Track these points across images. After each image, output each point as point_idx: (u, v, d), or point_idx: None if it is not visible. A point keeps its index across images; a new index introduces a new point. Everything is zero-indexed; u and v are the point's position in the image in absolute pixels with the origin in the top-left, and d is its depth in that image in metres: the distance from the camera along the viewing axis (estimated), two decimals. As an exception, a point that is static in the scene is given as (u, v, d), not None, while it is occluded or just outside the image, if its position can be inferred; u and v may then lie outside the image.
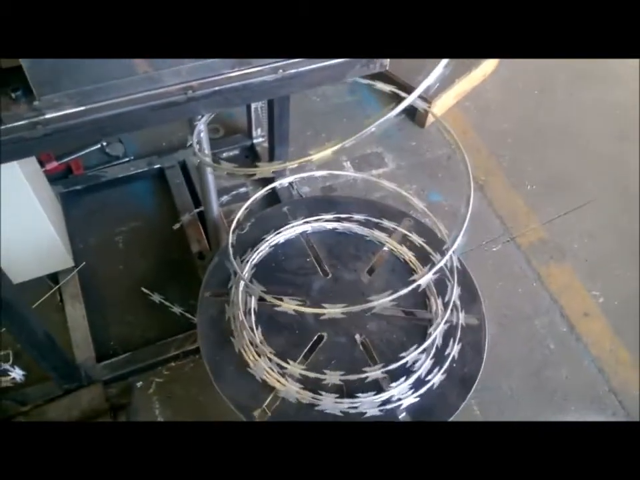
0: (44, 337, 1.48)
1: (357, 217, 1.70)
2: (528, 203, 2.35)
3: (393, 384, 1.38)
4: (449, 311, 1.44)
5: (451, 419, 1.39)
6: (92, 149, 2.25)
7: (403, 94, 1.12)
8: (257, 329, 1.47)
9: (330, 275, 1.60)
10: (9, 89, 0.96)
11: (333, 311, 1.26)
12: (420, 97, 2.42)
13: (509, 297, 2.06)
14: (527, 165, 2.48)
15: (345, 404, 1.36)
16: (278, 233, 1.66)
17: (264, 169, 1.19)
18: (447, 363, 1.42)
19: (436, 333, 1.44)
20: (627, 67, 2.89)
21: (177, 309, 1.85)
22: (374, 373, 1.38)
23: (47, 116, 0.98)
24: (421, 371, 1.41)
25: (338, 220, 1.70)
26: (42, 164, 2.08)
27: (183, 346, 1.78)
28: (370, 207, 1.74)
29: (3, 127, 0.96)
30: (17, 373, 1.69)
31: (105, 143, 2.27)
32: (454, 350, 1.44)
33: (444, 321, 1.44)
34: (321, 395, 1.37)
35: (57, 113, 0.99)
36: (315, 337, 1.48)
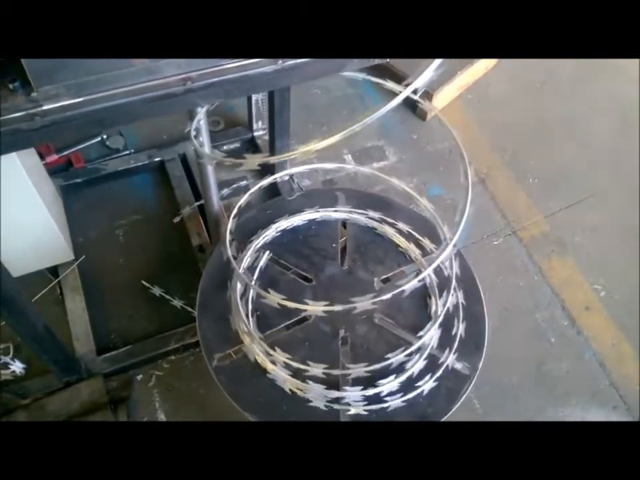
0: (44, 330, 1.48)
1: (401, 225, 1.69)
2: (530, 196, 2.34)
3: (349, 387, 1.37)
4: (418, 344, 1.42)
5: (445, 418, 1.39)
6: (92, 141, 2.24)
7: (398, 88, 1.11)
8: (254, 284, 1.48)
9: (346, 267, 1.60)
10: (7, 80, 0.95)
11: (272, 298, 1.32)
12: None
13: (510, 290, 2.05)
14: (529, 158, 2.47)
15: (294, 384, 1.37)
16: (317, 211, 1.69)
17: (266, 159, 1.18)
18: (413, 394, 1.38)
19: (392, 360, 1.41)
20: (631, 61, 2.87)
21: (177, 302, 1.85)
22: (316, 369, 1.38)
23: (45, 107, 0.98)
24: (383, 389, 1.38)
25: (382, 221, 1.69)
26: (42, 157, 2.08)
27: (183, 339, 1.78)
28: (418, 222, 1.70)
29: (0, 119, 0.95)
30: (17, 366, 1.69)
31: (105, 136, 2.26)
32: (426, 385, 1.40)
33: (409, 351, 1.41)
34: (275, 365, 1.39)
35: (55, 105, 0.98)
36: (301, 316, 1.49)
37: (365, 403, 1.37)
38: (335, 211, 1.70)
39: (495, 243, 2.18)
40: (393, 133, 2.49)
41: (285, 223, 1.66)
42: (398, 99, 1.00)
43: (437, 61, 1.02)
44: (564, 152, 2.51)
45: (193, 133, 1.18)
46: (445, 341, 1.48)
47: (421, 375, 1.42)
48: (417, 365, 1.43)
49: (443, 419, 1.40)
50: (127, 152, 2.25)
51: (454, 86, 2.55)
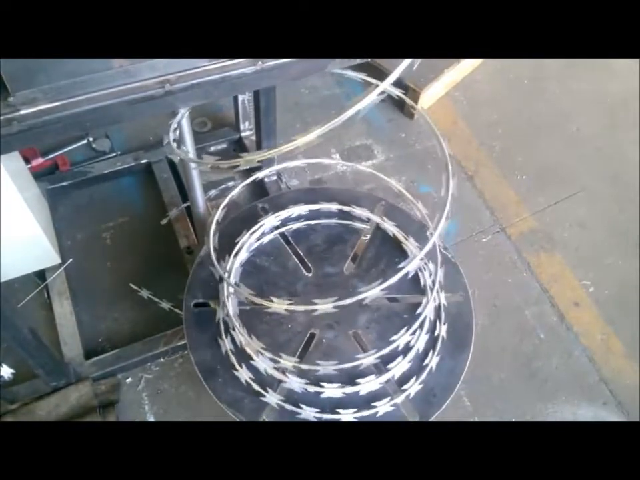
0: (31, 335, 1.47)
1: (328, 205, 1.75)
2: (518, 193, 2.34)
3: (362, 380, 1.39)
4: (419, 320, 1.44)
5: (433, 417, 1.39)
6: (78, 144, 2.23)
7: (373, 81, 1.12)
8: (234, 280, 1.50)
9: (349, 272, 1.62)
10: (-18, 85, 0.95)
11: (241, 291, 1.34)
12: (409, 86, 2.40)
13: (499, 287, 2.05)
14: (517, 155, 2.47)
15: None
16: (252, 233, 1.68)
17: (247, 159, 1.17)
18: (401, 398, 1.41)
19: (399, 341, 1.44)
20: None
21: (165, 305, 1.84)
22: (328, 367, 1.39)
23: (22, 112, 0.97)
24: (394, 372, 1.42)
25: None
26: (27, 160, 2.07)
27: (172, 342, 1.77)
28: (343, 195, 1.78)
29: (-23, 124, 0.94)
30: (5, 371, 1.67)
31: (91, 139, 2.25)
32: (412, 389, 1.43)
33: (413, 328, 1.44)
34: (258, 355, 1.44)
35: (33, 109, 0.97)
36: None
37: (355, 410, 1.38)
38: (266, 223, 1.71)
39: (484, 240, 2.18)
40: (381, 131, 2.49)
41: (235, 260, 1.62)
42: (368, 99, 1.00)
43: (405, 62, 1.02)
44: (552, 148, 2.51)
45: (172, 137, 1.17)
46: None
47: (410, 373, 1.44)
48: (420, 340, 1.47)
49: (432, 417, 1.40)
50: (114, 154, 2.24)
51: (441, 84, 2.55)
